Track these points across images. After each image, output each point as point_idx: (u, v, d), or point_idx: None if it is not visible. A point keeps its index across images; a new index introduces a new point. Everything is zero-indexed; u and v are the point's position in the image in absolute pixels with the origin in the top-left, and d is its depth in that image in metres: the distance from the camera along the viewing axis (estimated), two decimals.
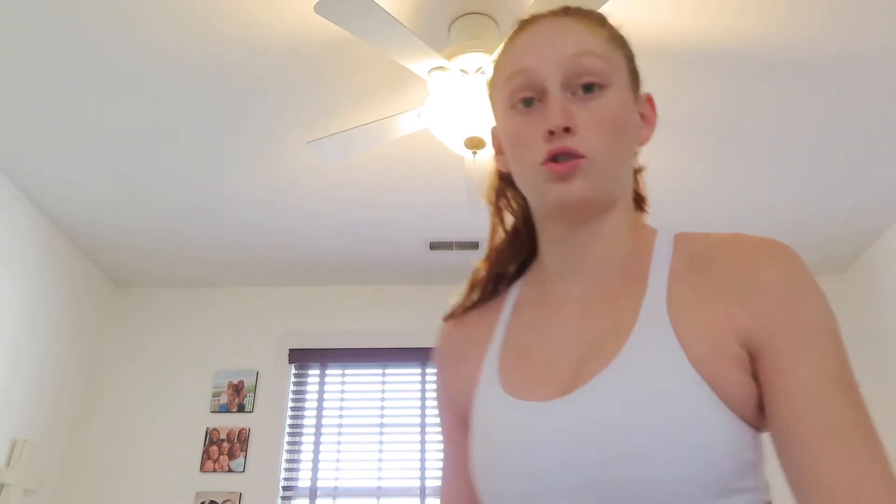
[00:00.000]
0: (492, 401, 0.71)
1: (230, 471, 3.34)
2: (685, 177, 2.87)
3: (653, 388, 0.60)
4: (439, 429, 0.85)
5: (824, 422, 0.57)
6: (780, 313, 0.62)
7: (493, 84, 0.80)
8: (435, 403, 0.84)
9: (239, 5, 2.06)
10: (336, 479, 3.40)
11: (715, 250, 0.68)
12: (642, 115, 0.77)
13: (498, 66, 0.78)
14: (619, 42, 0.75)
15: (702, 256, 0.68)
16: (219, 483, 3.32)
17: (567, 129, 0.68)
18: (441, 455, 0.86)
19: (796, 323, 0.61)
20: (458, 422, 0.79)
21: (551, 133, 0.68)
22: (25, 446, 2.92)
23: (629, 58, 0.76)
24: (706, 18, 2.11)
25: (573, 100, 0.70)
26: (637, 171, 0.82)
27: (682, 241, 0.72)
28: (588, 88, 0.70)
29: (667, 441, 0.58)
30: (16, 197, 2.94)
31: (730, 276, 0.65)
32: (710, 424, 0.58)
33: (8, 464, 2.86)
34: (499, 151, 0.81)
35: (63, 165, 2.80)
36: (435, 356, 0.85)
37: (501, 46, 0.79)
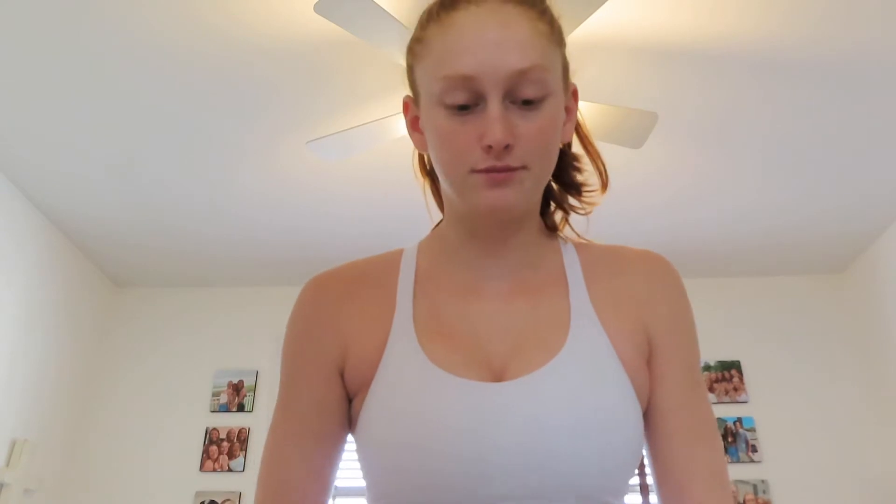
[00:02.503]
0: (421, 372, 0.68)
1: (230, 470, 3.34)
2: (683, 176, 2.87)
3: (595, 378, 0.67)
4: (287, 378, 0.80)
5: (691, 419, 0.71)
6: (673, 317, 0.75)
7: (416, 56, 0.72)
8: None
9: (241, 5, 2.06)
10: (336, 478, 3.39)
11: (618, 258, 0.79)
12: (567, 109, 0.75)
13: (428, 42, 0.70)
14: (557, 37, 0.72)
15: (607, 264, 0.78)
16: (219, 483, 3.32)
17: (507, 147, 0.66)
18: None
19: (684, 328, 0.75)
20: (330, 373, 0.75)
21: (489, 147, 0.66)
22: (25, 446, 2.92)
23: (563, 52, 0.73)
24: (705, 18, 2.12)
25: (511, 108, 0.67)
26: (575, 159, 0.81)
27: (581, 248, 0.80)
28: (528, 101, 0.67)
29: (606, 425, 0.65)
30: (14, 196, 2.94)
31: (637, 282, 0.76)
32: (635, 414, 0.68)
33: (8, 464, 2.86)
34: (414, 127, 0.77)
35: (62, 164, 2.80)
36: (311, 298, 0.83)
37: (433, 9, 0.72)
